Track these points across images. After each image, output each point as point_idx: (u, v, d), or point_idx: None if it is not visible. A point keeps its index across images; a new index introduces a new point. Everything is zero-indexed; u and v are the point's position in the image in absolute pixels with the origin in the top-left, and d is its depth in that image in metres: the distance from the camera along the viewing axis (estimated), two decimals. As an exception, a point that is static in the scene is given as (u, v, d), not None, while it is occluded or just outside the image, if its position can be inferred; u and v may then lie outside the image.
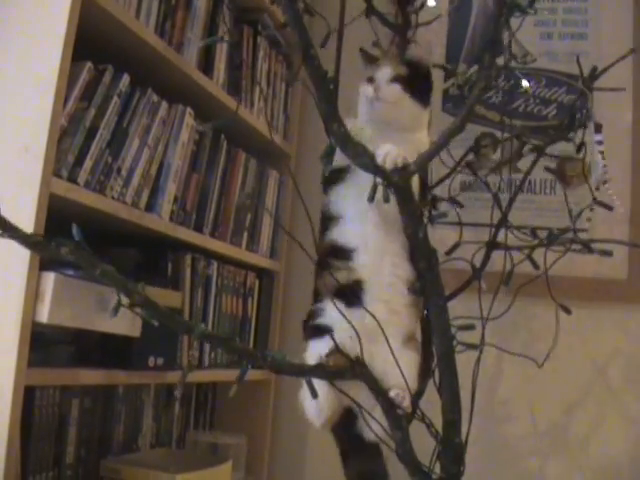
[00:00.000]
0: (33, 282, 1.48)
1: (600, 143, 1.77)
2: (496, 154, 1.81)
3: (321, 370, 1.45)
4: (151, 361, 1.90)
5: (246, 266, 2.45)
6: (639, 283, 2.43)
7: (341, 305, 1.49)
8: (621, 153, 2.48)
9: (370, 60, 1.65)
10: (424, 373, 1.60)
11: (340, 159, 1.53)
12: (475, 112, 1.88)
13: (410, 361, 1.52)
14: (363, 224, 1.53)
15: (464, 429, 1.52)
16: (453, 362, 1.50)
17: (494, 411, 2.10)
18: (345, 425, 1.57)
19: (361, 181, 1.48)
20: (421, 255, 1.47)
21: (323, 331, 1.51)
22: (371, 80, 1.59)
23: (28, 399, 1.53)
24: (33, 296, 1.49)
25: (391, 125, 1.55)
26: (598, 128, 1.76)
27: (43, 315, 1.51)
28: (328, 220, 1.59)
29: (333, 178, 1.58)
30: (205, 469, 2.11)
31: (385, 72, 1.57)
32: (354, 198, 1.53)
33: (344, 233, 1.56)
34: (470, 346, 1.61)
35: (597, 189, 1.78)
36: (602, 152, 1.76)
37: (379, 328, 1.45)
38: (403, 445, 1.49)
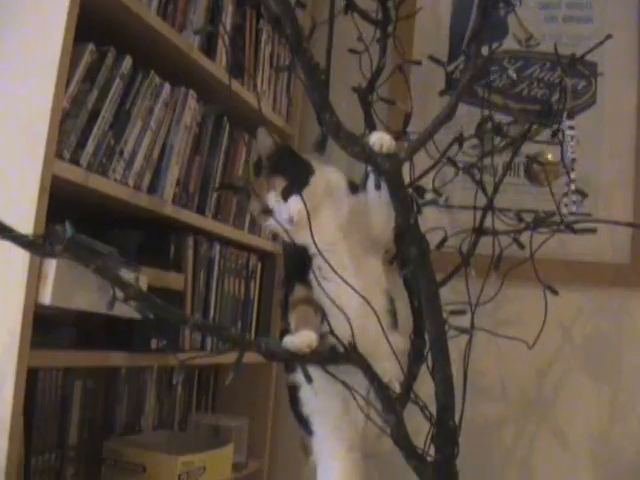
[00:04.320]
0: (36, 264, 1.48)
1: (571, 128, 1.80)
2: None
3: (315, 356, 1.45)
4: (153, 343, 1.91)
5: (248, 248, 2.45)
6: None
7: None
8: (625, 136, 2.48)
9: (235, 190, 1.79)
10: (417, 358, 1.61)
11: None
12: (477, 95, 1.88)
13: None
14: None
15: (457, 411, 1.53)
16: (445, 347, 1.50)
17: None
18: None
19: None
20: (412, 241, 1.48)
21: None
22: (268, 211, 1.61)
23: (31, 381, 1.54)
24: (36, 278, 1.49)
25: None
26: (570, 115, 1.79)
27: (46, 297, 1.51)
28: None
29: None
30: (207, 451, 2.12)
31: (273, 197, 1.59)
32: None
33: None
34: (461, 330, 1.62)
35: (572, 170, 1.81)
36: (573, 137, 1.80)
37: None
38: (397, 428, 1.50)
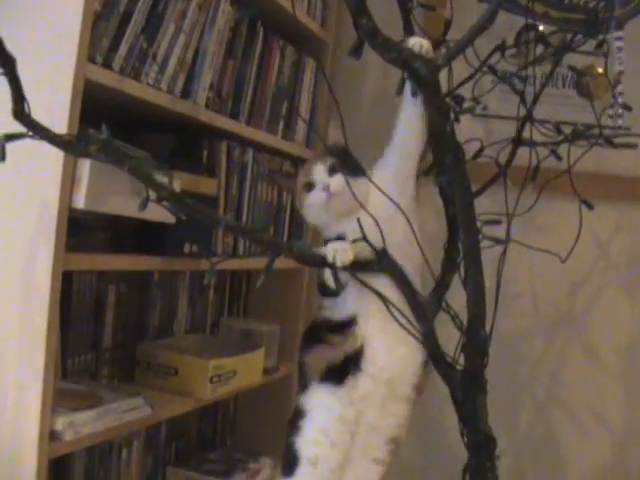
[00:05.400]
0: (69, 169, 1.48)
1: (620, 39, 1.75)
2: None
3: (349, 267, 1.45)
4: (186, 248, 1.92)
5: (282, 154, 2.44)
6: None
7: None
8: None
9: (288, 176, 1.64)
10: (450, 267, 1.60)
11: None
12: (518, 3, 1.82)
13: None
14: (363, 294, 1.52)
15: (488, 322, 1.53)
16: (478, 257, 1.49)
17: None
18: None
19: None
20: (447, 150, 1.46)
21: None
22: (310, 186, 1.56)
23: (66, 285, 1.56)
24: (70, 182, 1.49)
25: (350, 207, 1.52)
26: (619, 25, 1.74)
27: (79, 201, 1.52)
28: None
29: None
30: (238, 355, 2.15)
31: (320, 169, 1.55)
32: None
33: (343, 303, 1.54)
34: (496, 241, 1.61)
35: (619, 82, 1.76)
36: (620, 48, 1.74)
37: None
38: (428, 336, 1.50)
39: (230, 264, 2.22)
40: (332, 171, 1.53)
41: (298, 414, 1.54)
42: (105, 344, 1.96)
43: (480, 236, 1.52)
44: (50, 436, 1.47)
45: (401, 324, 1.49)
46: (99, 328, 1.93)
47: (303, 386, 1.56)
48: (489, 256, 1.55)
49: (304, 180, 1.58)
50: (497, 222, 1.59)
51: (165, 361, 2.01)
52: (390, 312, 1.48)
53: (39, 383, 1.42)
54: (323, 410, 1.51)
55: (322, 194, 1.52)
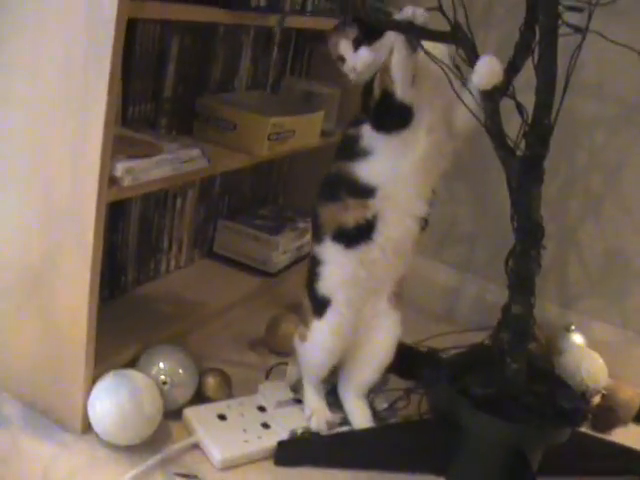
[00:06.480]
0: None
1: None
2: None
3: (418, 29, 1.40)
4: (253, 2, 1.87)
5: None
6: None
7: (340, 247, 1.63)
8: None
9: None
10: (524, 50, 1.54)
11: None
12: None
13: None
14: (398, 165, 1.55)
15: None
16: (555, 42, 1.43)
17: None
18: None
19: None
20: None
21: None
22: (342, 59, 1.58)
23: (130, 34, 1.53)
24: None
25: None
26: None
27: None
28: (352, 150, 1.60)
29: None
30: (297, 115, 2.14)
31: (345, 45, 1.55)
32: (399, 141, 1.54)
33: (371, 170, 1.57)
34: (575, 29, 1.53)
35: None
36: None
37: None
38: (492, 117, 1.47)
39: (298, 22, 2.17)
40: (356, 45, 1.54)
41: (316, 262, 1.68)
42: (166, 95, 1.95)
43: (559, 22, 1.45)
44: (109, 181, 1.50)
45: (461, 98, 1.47)
46: (161, 79, 1.92)
47: (317, 237, 1.67)
48: (563, 47, 1.47)
49: (336, 53, 1.59)
50: (579, 9, 1.50)
51: (225, 115, 2.01)
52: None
53: (100, 129, 1.43)
54: (337, 266, 1.65)
55: (352, 74, 1.58)
